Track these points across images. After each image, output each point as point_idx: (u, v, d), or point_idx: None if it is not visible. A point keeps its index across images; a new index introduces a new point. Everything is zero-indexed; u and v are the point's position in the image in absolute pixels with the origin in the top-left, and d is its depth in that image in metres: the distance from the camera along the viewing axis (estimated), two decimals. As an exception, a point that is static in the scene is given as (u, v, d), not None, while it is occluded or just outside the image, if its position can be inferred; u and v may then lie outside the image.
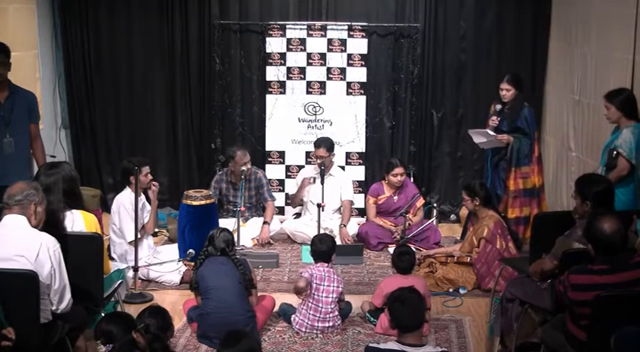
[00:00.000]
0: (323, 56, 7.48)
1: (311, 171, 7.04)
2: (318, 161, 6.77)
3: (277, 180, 7.61)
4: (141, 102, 7.79)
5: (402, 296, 3.47)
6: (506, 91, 6.26)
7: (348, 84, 7.52)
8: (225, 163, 7.31)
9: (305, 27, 7.47)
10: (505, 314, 4.54)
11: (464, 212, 7.23)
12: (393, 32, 7.55)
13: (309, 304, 4.95)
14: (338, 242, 6.65)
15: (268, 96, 7.55)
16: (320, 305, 4.93)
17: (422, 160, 7.77)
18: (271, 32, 7.48)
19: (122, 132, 7.84)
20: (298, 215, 7.23)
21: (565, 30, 6.97)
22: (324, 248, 5.07)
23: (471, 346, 4.82)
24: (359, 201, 7.41)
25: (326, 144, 6.85)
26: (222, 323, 4.53)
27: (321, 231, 6.38)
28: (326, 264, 5.06)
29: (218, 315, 4.64)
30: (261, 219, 6.87)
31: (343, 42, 7.47)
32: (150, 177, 5.83)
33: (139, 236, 5.61)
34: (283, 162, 7.61)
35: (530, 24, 7.53)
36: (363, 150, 7.60)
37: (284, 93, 7.53)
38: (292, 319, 5.00)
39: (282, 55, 7.48)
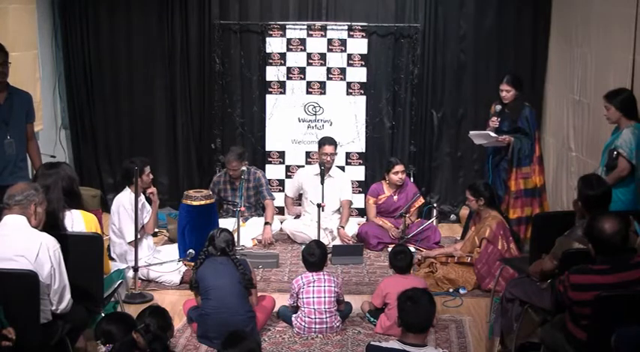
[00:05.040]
0: (323, 56, 7.48)
1: (311, 171, 7.03)
2: (327, 158, 6.76)
3: (277, 180, 7.61)
4: (141, 102, 7.79)
5: (415, 297, 3.45)
6: (506, 92, 6.27)
7: (348, 84, 7.52)
8: (224, 164, 7.31)
9: (305, 27, 7.47)
10: (505, 315, 4.54)
11: (464, 212, 7.23)
12: (393, 32, 7.55)
13: (304, 308, 4.95)
14: (338, 242, 6.66)
15: (268, 96, 7.55)
16: (313, 306, 4.92)
17: (422, 160, 7.77)
18: (271, 32, 7.48)
19: (122, 132, 7.84)
20: (298, 215, 7.23)
21: (565, 30, 6.97)
22: (313, 259, 5.06)
23: (471, 346, 4.82)
24: (359, 201, 7.42)
25: (332, 142, 6.88)
26: (223, 323, 4.54)
27: (321, 232, 6.40)
28: (317, 271, 5.06)
29: (218, 315, 4.64)
30: (261, 219, 6.88)
31: (343, 42, 7.47)
32: (152, 176, 5.84)
33: (138, 236, 5.61)
34: (283, 162, 7.61)
35: (530, 24, 7.53)
36: (363, 150, 7.60)
37: (284, 93, 7.53)
38: (293, 319, 5.00)
39: (282, 55, 7.48)
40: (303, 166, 7.50)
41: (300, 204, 7.24)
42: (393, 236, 6.66)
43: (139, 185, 5.60)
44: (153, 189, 5.91)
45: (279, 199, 7.35)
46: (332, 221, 6.88)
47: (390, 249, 6.35)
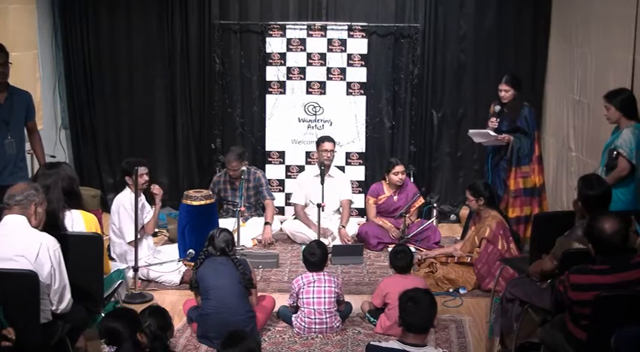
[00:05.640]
0: (323, 56, 7.48)
1: (310, 172, 7.03)
2: (326, 155, 6.75)
3: (277, 180, 7.61)
4: (141, 102, 7.79)
5: (417, 297, 3.45)
6: (505, 92, 6.28)
7: (348, 84, 7.52)
8: (224, 164, 7.31)
9: (305, 27, 7.47)
10: (505, 314, 4.54)
11: (464, 212, 7.23)
12: (393, 32, 7.55)
13: (304, 308, 4.96)
14: (338, 242, 6.66)
15: (268, 96, 7.55)
16: (313, 306, 4.92)
17: (422, 160, 7.77)
18: (271, 32, 7.48)
19: (122, 132, 7.84)
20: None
21: (565, 30, 6.97)
22: (314, 259, 5.06)
23: (471, 346, 4.82)
24: (359, 201, 7.42)
25: (330, 139, 6.89)
26: (223, 323, 4.54)
27: (321, 232, 6.39)
28: (317, 271, 5.06)
29: (218, 316, 4.64)
30: (261, 219, 6.88)
31: (343, 42, 7.47)
32: (146, 178, 5.77)
33: (138, 236, 5.60)
34: (283, 162, 7.61)
35: (530, 24, 7.53)
36: (363, 150, 7.60)
37: (284, 93, 7.53)
38: (293, 319, 5.01)
39: (282, 55, 7.48)
40: (303, 167, 7.50)
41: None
42: (393, 236, 6.66)
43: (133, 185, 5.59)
44: (159, 191, 5.90)
45: (279, 199, 7.36)
46: (332, 221, 6.88)
47: (390, 249, 6.36)
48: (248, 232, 6.74)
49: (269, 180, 7.33)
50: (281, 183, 7.61)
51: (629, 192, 4.96)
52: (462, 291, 5.68)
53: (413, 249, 5.94)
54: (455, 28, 7.60)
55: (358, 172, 7.60)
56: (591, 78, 6.18)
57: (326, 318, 4.92)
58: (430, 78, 7.63)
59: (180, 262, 5.82)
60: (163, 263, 5.83)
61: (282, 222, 7.14)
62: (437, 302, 3.56)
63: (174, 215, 6.80)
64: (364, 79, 7.51)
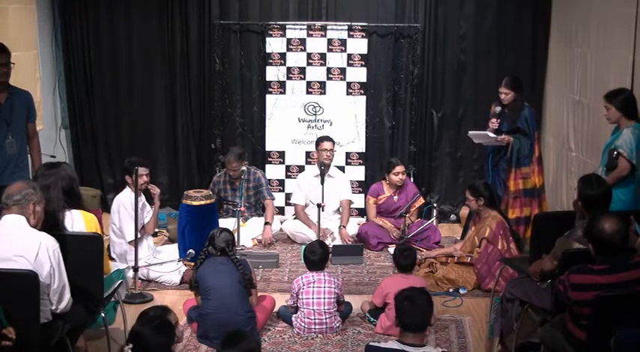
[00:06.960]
0: (323, 56, 7.48)
1: (310, 173, 7.03)
2: (326, 154, 6.75)
3: (277, 180, 7.61)
4: (141, 103, 7.79)
5: (413, 297, 3.45)
6: (505, 95, 6.30)
7: (348, 84, 7.52)
8: (224, 164, 7.32)
9: (305, 27, 7.47)
10: (505, 314, 4.54)
11: (464, 212, 7.23)
12: (393, 32, 7.55)
13: (303, 308, 4.96)
14: (338, 242, 6.66)
15: (268, 96, 7.55)
16: (312, 306, 4.92)
17: (422, 160, 7.77)
18: (271, 32, 7.48)
19: (122, 132, 7.84)
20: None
21: (565, 30, 6.97)
22: (313, 257, 5.05)
23: (471, 346, 4.82)
24: (359, 201, 7.42)
25: (329, 138, 6.89)
26: (222, 323, 4.54)
27: (321, 232, 6.39)
28: (318, 271, 5.06)
29: (218, 315, 4.64)
30: (261, 219, 6.87)
31: (343, 42, 7.47)
32: (145, 178, 5.77)
33: (138, 236, 5.60)
34: (283, 162, 7.61)
35: (530, 24, 7.53)
36: (363, 150, 7.60)
37: (284, 93, 7.53)
38: (292, 319, 5.00)
39: (282, 55, 7.48)
40: (303, 167, 7.50)
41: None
42: (393, 236, 6.65)
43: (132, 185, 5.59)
44: (157, 190, 5.91)
45: (279, 199, 7.36)
46: (332, 222, 6.88)
47: (390, 249, 6.37)
48: (248, 232, 6.73)
49: (269, 180, 7.33)
50: (281, 183, 7.61)
51: (629, 192, 4.96)
52: (462, 291, 5.68)
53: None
54: (455, 28, 7.60)
55: (358, 172, 7.60)
56: (591, 78, 6.18)
57: (326, 319, 4.92)
58: (430, 78, 7.63)
59: (180, 262, 5.82)
60: (163, 263, 5.83)
61: (282, 222, 7.14)
62: (436, 301, 3.55)
63: (174, 215, 6.80)
64: (364, 79, 7.51)
